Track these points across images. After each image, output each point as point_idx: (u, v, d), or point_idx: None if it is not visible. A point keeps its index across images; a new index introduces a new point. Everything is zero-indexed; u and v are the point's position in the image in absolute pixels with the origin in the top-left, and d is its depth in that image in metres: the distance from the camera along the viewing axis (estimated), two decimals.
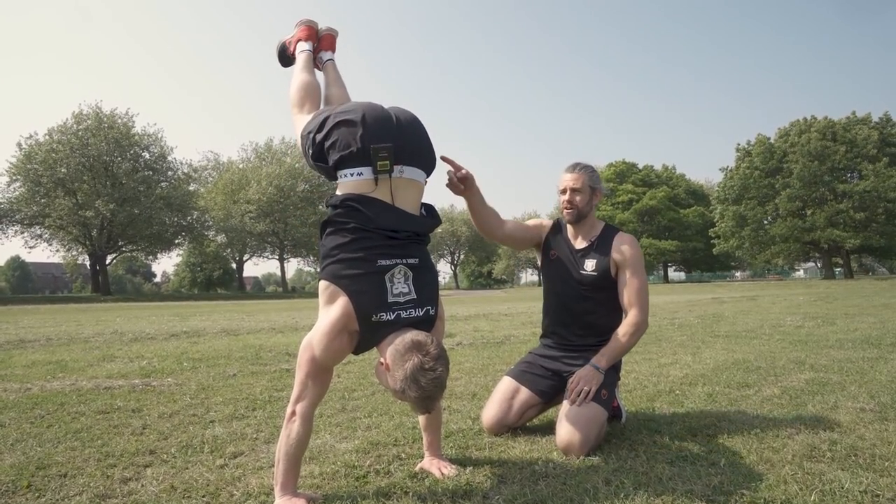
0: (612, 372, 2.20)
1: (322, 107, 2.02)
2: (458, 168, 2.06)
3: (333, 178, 1.71)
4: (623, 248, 2.21)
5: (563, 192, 2.25)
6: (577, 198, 2.23)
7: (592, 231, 2.29)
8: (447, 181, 2.09)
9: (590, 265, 2.23)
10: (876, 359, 3.80)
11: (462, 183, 2.09)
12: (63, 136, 32.98)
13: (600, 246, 2.24)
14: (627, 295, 2.19)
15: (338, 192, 1.70)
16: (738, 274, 58.46)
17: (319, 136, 1.69)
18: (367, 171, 1.63)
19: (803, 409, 2.48)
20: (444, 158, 1.97)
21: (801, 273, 56.59)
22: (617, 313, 2.29)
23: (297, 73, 2.09)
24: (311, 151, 1.73)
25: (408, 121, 1.72)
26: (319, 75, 2.20)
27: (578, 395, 2.02)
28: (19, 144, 32.57)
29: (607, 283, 2.23)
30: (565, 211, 2.27)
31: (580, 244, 2.29)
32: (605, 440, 2.06)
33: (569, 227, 2.34)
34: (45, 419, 2.55)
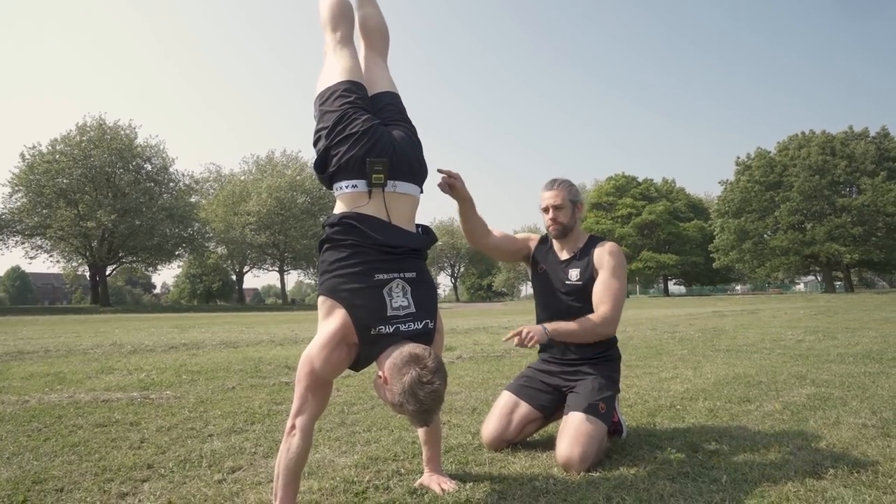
0: (611, 385, 2.20)
1: (358, 33, 1.99)
2: (449, 172, 2.12)
3: (329, 187, 1.76)
4: (603, 251, 2.24)
5: (546, 210, 2.29)
6: (560, 214, 2.27)
7: (577, 243, 2.33)
8: (439, 182, 2.13)
9: (574, 274, 2.26)
10: (877, 374, 3.79)
11: (453, 178, 2.11)
12: (66, 146, 33.16)
13: (583, 255, 2.28)
14: (599, 294, 2.17)
15: (335, 211, 1.74)
16: (738, 287, 58.51)
17: (328, 143, 1.71)
18: (361, 184, 1.67)
19: (805, 424, 2.47)
20: (439, 170, 2.07)
21: (801, 287, 56.70)
22: None
23: None
24: (314, 159, 1.78)
25: (403, 139, 1.77)
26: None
27: (518, 336, 1.95)
28: (22, 155, 32.74)
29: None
30: (551, 228, 2.31)
31: (565, 255, 2.33)
32: (606, 456, 2.05)
33: (555, 240, 2.38)
34: (42, 432, 2.54)
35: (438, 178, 2.12)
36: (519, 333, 1.95)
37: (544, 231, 2.43)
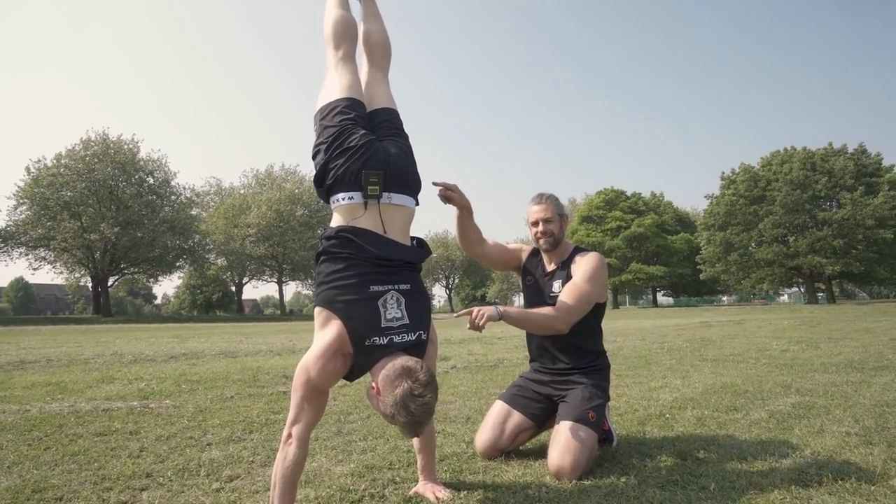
0: (601, 394, 2.23)
1: (361, 46, 2.02)
2: (445, 184, 2.16)
3: (327, 200, 1.81)
4: (580, 261, 2.27)
5: (535, 223, 2.34)
6: (550, 226, 2.32)
7: (563, 254, 2.37)
8: (440, 192, 2.18)
9: (557, 286, 2.30)
10: (859, 383, 3.83)
11: (451, 190, 2.16)
12: (71, 160, 33.50)
13: (564, 266, 2.33)
14: (566, 290, 2.18)
15: (332, 224, 1.78)
16: (724, 298, 59.43)
17: (326, 157, 1.77)
18: (357, 196, 1.72)
19: (790, 432, 2.50)
20: (434, 183, 2.11)
21: (785, 298, 57.74)
22: (595, 334, 2.34)
23: (331, 6, 2.03)
24: (314, 173, 1.83)
25: (398, 153, 1.83)
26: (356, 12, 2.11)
27: (472, 321, 1.91)
28: (28, 168, 33.10)
29: None
30: (541, 241, 2.35)
31: (550, 267, 2.38)
32: (597, 464, 2.08)
33: (544, 253, 2.42)
34: (42, 441, 2.56)
35: (438, 189, 2.17)
36: (471, 312, 1.92)
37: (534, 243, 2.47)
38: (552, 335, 2.23)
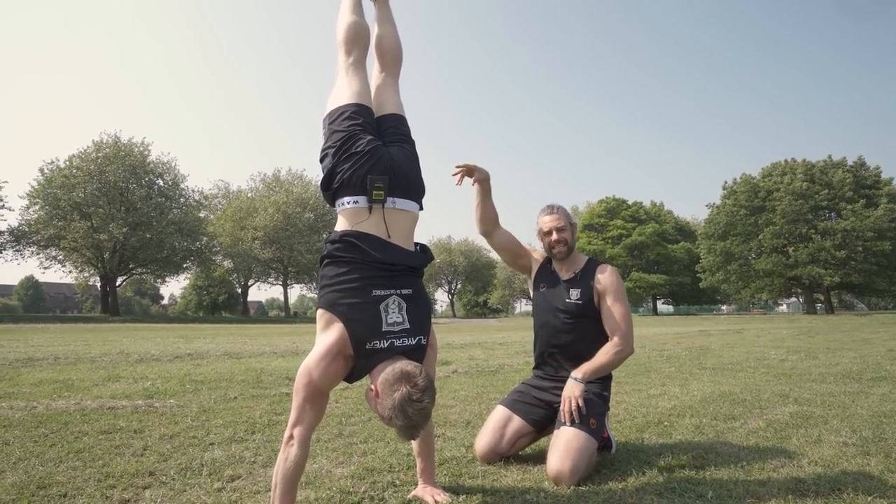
0: (602, 402, 2.25)
1: (373, 49, 2.06)
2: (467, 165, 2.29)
3: (332, 203, 1.83)
4: (604, 276, 2.32)
5: (549, 233, 2.37)
6: (564, 234, 2.36)
7: (577, 264, 2.41)
8: (462, 172, 2.28)
9: (574, 294, 2.33)
10: (857, 393, 3.83)
11: (466, 167, 2.27)
12: (82, 162, 33.89)
13: (584, 276, 2.36)
14: (611, 320, 2.27)
15: (336, 229, 1.81)
16: (723, 307, 59.64)
17: (334, 161, 1.80)
18: (362, 200, 1.75)
19: (788, 442, 2.50)
20: (457, 166, 2.28)
21: (784, 308, 57.93)
22: (603, 343, 2.35)
23: (345, 11, 2.05)
24: (321, 178, 1.85)
25: (402, 159, 1.85)
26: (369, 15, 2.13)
27: (571, 415, 2.07)
28: (41, 169, 33.54)
29: (591, 312, 2.31)
30: (555, 249, 2.37)
31: (566, 275, 2.41)
32: (595, 470, 2.09)
33: (557, 262, 2.44)
34: (48, 438, 2.60)
35: (456, 178, 2.27)
36: (570, 411, 2.10)
37: (541, 249, 2.50)
38: (563, 344, 2.33)
